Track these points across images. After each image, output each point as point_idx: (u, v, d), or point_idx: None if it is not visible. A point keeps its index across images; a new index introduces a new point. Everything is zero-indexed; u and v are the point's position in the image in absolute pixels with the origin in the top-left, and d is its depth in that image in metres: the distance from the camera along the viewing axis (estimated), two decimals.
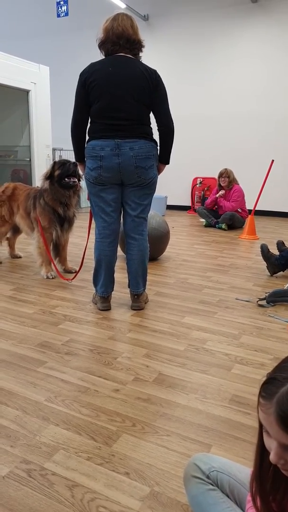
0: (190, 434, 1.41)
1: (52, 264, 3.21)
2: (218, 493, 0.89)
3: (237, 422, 1.48)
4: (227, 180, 5.66)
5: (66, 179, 3.00)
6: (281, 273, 3.40)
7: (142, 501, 1.13)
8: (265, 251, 3.33)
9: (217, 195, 5.74)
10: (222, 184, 5.71)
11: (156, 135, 2.36)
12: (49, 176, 3.03)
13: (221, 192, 5.71)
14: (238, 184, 5.76)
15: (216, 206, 5.87)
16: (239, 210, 5.72)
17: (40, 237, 3.14)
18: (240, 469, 0.94)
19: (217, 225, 5.69)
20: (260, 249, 3.35)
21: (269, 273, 3.38)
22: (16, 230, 3.67)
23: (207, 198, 6.39)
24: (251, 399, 1.62)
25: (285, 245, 3.49)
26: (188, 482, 0.92)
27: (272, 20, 6.42)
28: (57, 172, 3.00)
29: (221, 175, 5.72)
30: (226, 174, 5.67)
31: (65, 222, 3.15)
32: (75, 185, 3.04)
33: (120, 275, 3.25)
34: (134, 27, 2.29)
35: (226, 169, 5.70)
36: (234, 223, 5.61)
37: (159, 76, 2.30)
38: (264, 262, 3.43)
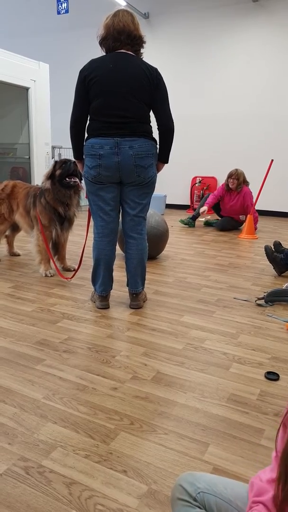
0: (187, 433, 1.41)
1: (51, 262, 3.21)
2: None
3: (234, 421, 1.48)
4: (236, 182, 5.20)
5: (67, 179, 2.99)
6: (285, 272, 3.41)
7: (139, 499, 1.13)
8: (269, 253, 3.34)
9: (200, 212, 5.43)
10: (230, 186, 5.27)
11: (155, 134, 2.36)
12: (51, 176, 3.02)
13: (204, 208, 5.38)
14: (248, 186, 5.31)
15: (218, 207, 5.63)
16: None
17: (39, 235, 3.14)
18: (226, 485, 0.92)
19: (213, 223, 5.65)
20: (264, 251, 3.34)
21: (276, 274, 3.39)
22: (15, 228, 3.67)
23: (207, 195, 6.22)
24: (249, 398, 1.63)
25: (282, 245, 3.50)
26: (174, 505, 0.90)
27: (272, 19, 6.42)
28: (58, 172, 2.99)
29: (230, 176, 5.24)
30: (236, 176, 5.19)
31: (65, 221, 3.15)
32: (76, 184, 3.03)
33: (119, 274, 3.25)
34: (135, 22, 2.27)
35: (237, 169, 5.21)
36: (227, 228, 5.48)
37: (160, 74, 2.29)
38: (266, 262, 3.43)
